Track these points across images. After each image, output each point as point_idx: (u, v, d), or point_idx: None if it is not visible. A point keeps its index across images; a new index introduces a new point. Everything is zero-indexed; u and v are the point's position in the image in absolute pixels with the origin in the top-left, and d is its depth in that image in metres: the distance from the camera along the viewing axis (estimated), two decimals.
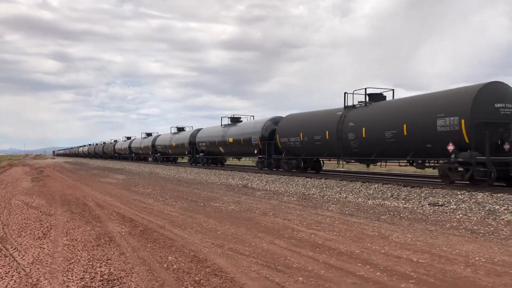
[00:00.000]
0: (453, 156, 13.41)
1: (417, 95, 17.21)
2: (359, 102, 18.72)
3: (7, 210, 11.53)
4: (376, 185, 15.24)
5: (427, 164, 15.71)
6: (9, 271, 5.75)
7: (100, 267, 5.90)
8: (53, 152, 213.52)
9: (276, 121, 24.72)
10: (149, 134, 51.94)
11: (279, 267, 5.78)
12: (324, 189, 15.58)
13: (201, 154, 34.20)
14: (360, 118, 17.67)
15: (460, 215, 9.87)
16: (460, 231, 8.20)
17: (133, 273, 5.61)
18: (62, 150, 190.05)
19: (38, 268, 5.87)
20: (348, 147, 18.12)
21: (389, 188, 14.39)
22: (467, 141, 13.07)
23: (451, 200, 11.58)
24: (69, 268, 5.87)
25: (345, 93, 18.87)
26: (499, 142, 13.03)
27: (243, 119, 30.54)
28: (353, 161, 19.67)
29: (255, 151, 25.74)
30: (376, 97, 18.43)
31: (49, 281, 5.32)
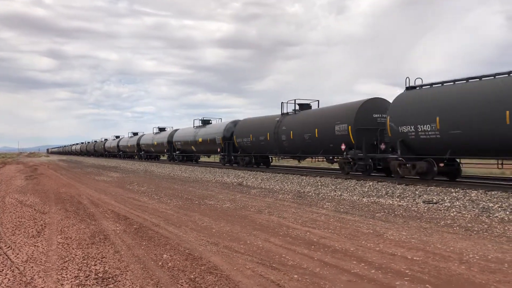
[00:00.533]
0: (345, 153, 18.45)
1: (326, 106, 22.20)
2: (292, 110, 23.57)
3: (0, 209, 11.47)
4: (371, 183, 15.29)
5: (335, 160, 20.40)
6: (2, 270, 5.72)
7: (94, 265, 5.89)
8: (47, 150, 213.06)
9: (235, 123, 29.49)
10: (135, 134, 57.54)
11: (274, 265, 5.79)
12: (319, 187, 15.60)
13: (177, 152, 39.42)
14: (290, 123, 22.56)
15: (454, 213, 9.92)
16: (454, 228, 8.24)
17: (128, 271, 5.60)
18: (56, 148, 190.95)
19: (32, 267, 5.85)
20: (282, 146, 23.11)
21: (384, 186, 14.44)
22: (353, 142, 17.91)
23: (445, 197, 11.64)
24: (64, 266, 5.85)
25: (282, 102, 23.96)
26: (375, 143, 17.49)
27: (213, 121, 34.90)
28: (286, 157, 25.08)
29: (219, 150, 30.38)
30: (304, 107, 23.42)
31: (43, 279, 5.29)
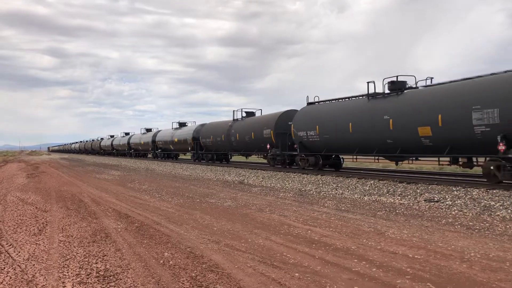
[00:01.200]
0: (269, 151, 24.44)
1: (258, 116, 28.18)
2: (241, 117, 29.24)
3: (2, 206, 11.49)
4: (372, 181, 15.28)
5: (257, 157, 28.66)
6: (4, 268, 5.73)
7: (96, 263, 5.89)
8: (48, 148, 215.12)
9: (202, 126, 35.33)
10: (127, 134, 62.44)
11: (275, 263, 5.79)
12: (320, 185, 15.60)
13: (159, 150, 44.77)
14: (238, 128, 28.37)
15: (456, 211, 9.91)
16: (456, 227, 8.23)
17: (129, 269, 5.60)
18: (56, 146, 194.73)
19: (34, 265, 5.86)
20: (232, 145, 29.17)
21: (385, 184, 14.44)
22: (274, 142, 23.84)
23: (447, 196, 11.62)
24: (65, 264, 5.86)
25: (233, 110, 29.57)
26: (289, 144, 23.03)
27: (188, 124, 41.17)
28: (235, 154, 31.26)
29: (189, 148, 36.67)
30: (250, 114, 29.24)
31: (45, 277, 5.30)
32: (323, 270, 5.45)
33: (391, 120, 15.82)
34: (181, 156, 44.91)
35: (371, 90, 17.24)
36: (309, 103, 21.96)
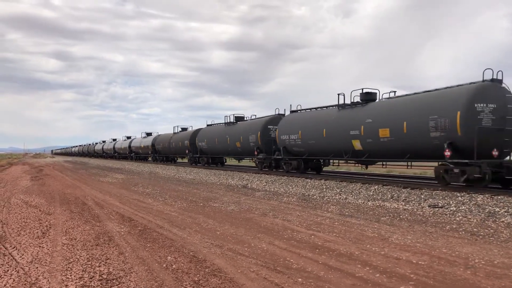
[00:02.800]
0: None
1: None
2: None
3: (6, 209, 11.52)
4: (376, 187, 15.24)
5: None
6: (8, 270, 5.74)
7: (99, 266, 5.89)
8: (51, 151, 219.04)
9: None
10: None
11: (278, 268, 5.77)
12: (324, 190, 15.57)
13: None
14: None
15: (460, 217, 9.86)
16: (460, 233, 8.19)
17: (132, 273, 5.60)
18: (59, 149, 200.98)
19: (37, 267, 5.86)
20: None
21: (389, 190, 14.39)
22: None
23: (451, 202, 11.57)
24: (68, 267, 5.86)
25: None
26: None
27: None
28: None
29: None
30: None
31: (48, 280, 5.31)
32: (326, 276, 5.43)
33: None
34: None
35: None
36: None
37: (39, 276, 5.47)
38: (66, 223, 9.42)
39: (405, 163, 18.00)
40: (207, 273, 5.56)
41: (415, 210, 11.04)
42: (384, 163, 19.23)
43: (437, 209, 10.93)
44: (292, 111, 23.61)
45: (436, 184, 15.56)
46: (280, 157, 23.20)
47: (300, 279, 5.27)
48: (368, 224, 9.10)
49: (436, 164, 15.00)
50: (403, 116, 15.32)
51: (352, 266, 5.87)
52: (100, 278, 5.37)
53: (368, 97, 18.10)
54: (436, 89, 15.24)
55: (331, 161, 22.19)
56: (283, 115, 25.14)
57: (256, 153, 25.31)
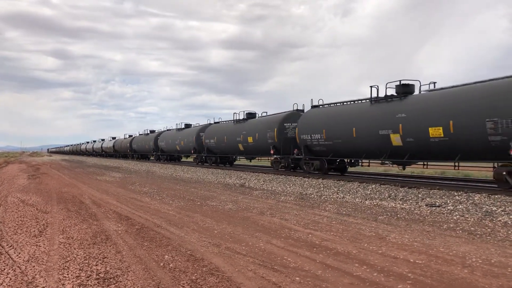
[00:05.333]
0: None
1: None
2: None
3: (3, 207, 11.48)
4: (373, 186, 15.25)
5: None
6: (4, 269, 5.72)
7: (96, 265, 5.88)
8: (47, 150, 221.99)
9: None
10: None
11: (276, 267, 5.77)
12: (322, 189, 15.57)
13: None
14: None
15: (457, 216, 9.88)
16: (457, 232, 8.20)
17: (129, 271, 5.59)
18: (54, 148, 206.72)
19: (34, 266, 5.84)
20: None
21: (387, 189, 14.40)
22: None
23: (448, 201, 11.59)
24: (65, 266, 5.84)
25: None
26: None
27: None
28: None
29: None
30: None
31: (45, 279, 5.29)
32: (324, 274, 5.42)
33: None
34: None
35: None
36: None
37: (35, 275, 5.45)
38: (63, 221, 9.39)
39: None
40: (205, 272, 5.55)
41: (413, 209, 11.06)
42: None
43: (435, 208, 10.95)
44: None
45: (433, 183, 15.58)
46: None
47: (297, 278, 5.27)
48: (365, 223, 9.10)
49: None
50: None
51: (350, 265, 5.87)
52: (97, 277, 5.35)
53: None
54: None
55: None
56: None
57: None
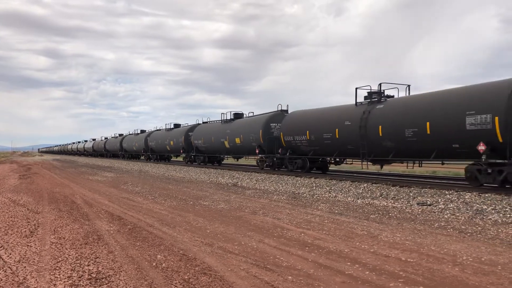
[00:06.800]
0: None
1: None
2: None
3: None
4: (365, 184, 15.32)
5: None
6: None
7: (88, 265, 5.85)
8: (38, 149, 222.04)
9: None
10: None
11: (268, 266, 5.78)
12: (314, 188, 15.61)
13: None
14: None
15: (448, 215, 9.96)
16: (448, 230, 8.27)
17: (121, 271, 5.57)
18: (45, 148, 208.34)
19: (25, 267, 5.81)
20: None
21: (378, 188, 14.47)
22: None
23: (440, 199, 11.67)
24: (57, 266, 5.81)
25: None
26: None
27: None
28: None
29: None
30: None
31: (36, 279, 5.26)
32: (316, 273, 5.45)
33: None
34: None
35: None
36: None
37: (27, 275, 5.42)
38: (55, 221, 9.34)
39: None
40: (197, 271, 5.55)
41: (404, 208, 11.12)
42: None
43: (426, 207, 11.03)
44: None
45: (425, 182, 15.70)
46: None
47: (290, 277, 5.29)
48: (357, 222, 9.15)
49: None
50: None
51: (342, 263, 5.89)
52: (89, 277, 5.33)
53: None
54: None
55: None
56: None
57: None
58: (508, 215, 9.44)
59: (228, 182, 19.30)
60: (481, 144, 12.69)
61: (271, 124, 23.88)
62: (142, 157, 49.92)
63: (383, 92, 17.55)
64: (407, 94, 17.18)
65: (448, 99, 13.99)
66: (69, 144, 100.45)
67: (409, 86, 17.40)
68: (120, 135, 61.98)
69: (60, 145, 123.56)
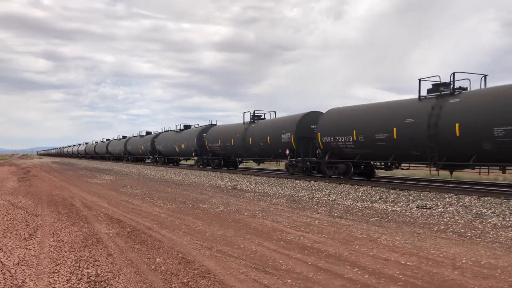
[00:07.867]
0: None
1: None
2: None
3: None
4: (364, 188, 15.32)
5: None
6: None
7: (87, 268, 5.84)
8: (37, 152, 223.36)
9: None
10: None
11: (267, 269, 5.77)
12: (313, 191, 15.61)
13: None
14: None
15: (448, 218, 9.95)
16: (448, 234, 8.27)
17: (120, 274, 5.56)
18: (43, 150, 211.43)
19: (24, 270, 5.79)
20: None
21: (378, 191, 14.48)
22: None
23: (439, 203, 11.67)
24: (56, 269, 5.80)
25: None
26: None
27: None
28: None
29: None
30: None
31: (35, 282, 5.25)
32: (315, 277, 5.44)
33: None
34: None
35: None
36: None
37: (25, 278, 5.41)
38: (54, 224, 9.33)
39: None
40: (196, 274, 5.54)
41: (404, 211, 11.12)
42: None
43: (425, 210, 11.02)
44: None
45: (424, 186, 15.71)
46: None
47: (289, 280, 5.28)
48: (357, 225, 9.14)
49: None
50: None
51: (341, 267, 5.89)
52: (88, 280, 5.32)
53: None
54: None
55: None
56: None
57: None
58: (508, 219, 9.44)
59: (227, 185, 19.29)
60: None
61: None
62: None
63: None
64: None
65: None
66: (65, 147, 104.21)
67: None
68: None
69: (57, 148, 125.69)
